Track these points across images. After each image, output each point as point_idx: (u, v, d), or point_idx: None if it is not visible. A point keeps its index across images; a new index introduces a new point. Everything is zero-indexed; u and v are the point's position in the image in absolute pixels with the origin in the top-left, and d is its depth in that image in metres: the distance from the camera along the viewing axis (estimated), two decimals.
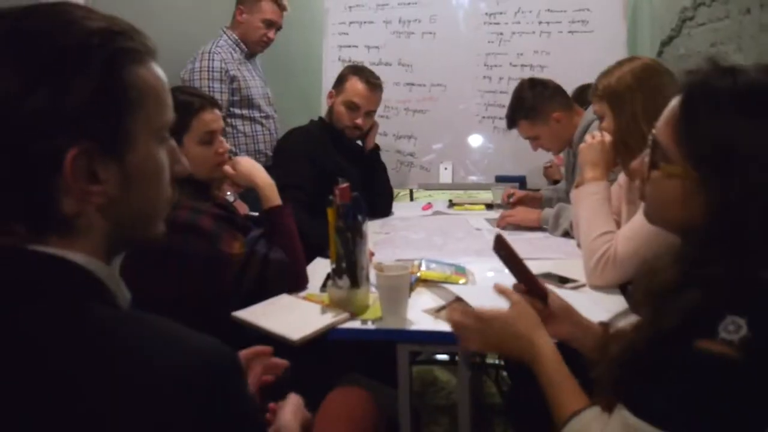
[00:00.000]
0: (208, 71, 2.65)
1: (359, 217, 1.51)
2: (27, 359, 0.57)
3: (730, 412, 0.75)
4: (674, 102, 0.89)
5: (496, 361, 2.76)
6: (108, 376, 0.57)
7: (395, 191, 3.10)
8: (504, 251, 1.16)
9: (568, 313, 1.18)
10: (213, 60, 2.67)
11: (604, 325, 1.20)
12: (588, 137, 1.84)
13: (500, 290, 1.15)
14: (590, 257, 1.63)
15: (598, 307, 1.47)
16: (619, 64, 1.75)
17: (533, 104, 2.39)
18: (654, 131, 0.91)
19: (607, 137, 1.76)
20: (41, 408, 0.55)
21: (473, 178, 3.49)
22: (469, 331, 1.11)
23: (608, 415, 0.88)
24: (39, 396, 0.55)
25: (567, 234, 2.18)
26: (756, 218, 0.79)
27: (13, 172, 0.60)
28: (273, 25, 2.88)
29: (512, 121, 2.50)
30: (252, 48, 2.89)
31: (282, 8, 2.91)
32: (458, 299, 1.50)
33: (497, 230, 1.22)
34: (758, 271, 0.77)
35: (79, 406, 0.55)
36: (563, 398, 0.97)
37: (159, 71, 0.70)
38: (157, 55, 0.70)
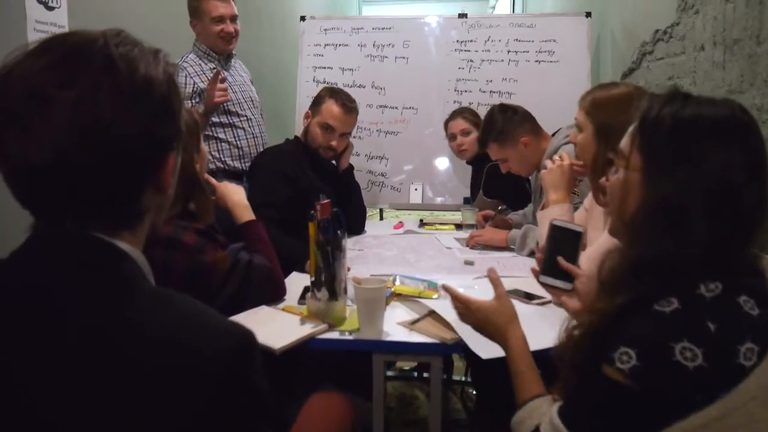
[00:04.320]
0: None
1: (338, 232, 1.58)
2: (81, 329, 0.67)
3: (617, 426, 0.88)
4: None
5: (462, 378, 2.83)
6: (142, 352, 0.67)
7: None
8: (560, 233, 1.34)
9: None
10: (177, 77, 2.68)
11: None
12: (548, 163, 1.95)
13: (493, 279, 1.32)
14: None
15: (563, 321, 1.55)
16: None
17: (503, 128, 2.48)
18: (621, 144, 1.05)
19: (566, 162, 1.86)
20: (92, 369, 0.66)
21: (442, 199, 3.59)
22: (462, 312, 1.34)
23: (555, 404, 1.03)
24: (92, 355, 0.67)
25: (533, 254, 2.27)
26: (668, 213, 0.92)
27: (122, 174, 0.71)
28: (223, 18, 2.79)
29: (483, 143, 2.59)
30: (220, 49, 2.85)
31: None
32: (432, 312, 1.58)
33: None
34: (654, 305, 0.88)
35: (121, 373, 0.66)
36: (524, 386, 1.14)
37: None
38: None
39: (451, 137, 3.16)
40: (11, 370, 0.66)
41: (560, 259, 1.31)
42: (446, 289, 1.41)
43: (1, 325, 0.68)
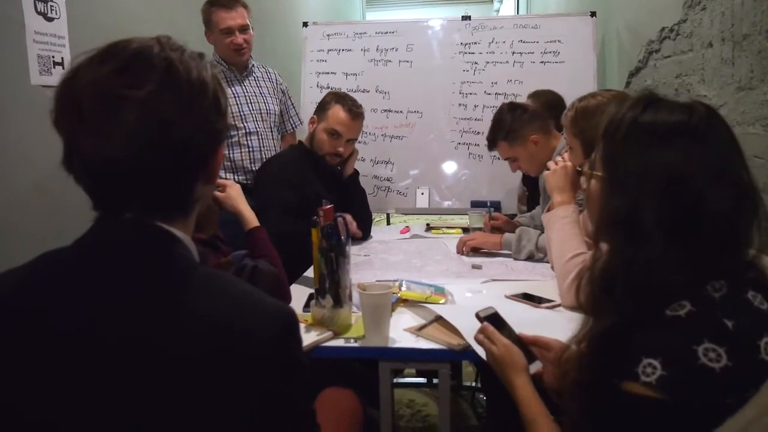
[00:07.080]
0: None
1: (342, 238, 1.55)
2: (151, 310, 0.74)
3: None
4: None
5: (472, 384, 2.79)
6: (199, 335, 0.73)
7: (372, 215, 3.15)
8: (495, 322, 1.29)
9: None
10: None
11: None
12: (551, 164, 1.91)
13: (489, 335, 1.26)
14: (564, 278, 1.69)
15: (573, 325, 1.51)
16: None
17: (512, 126, 2.44)
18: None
19: (569, 162, 1.83)
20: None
21: (449, 203, 3.56)
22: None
23: None
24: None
25: (531, 257, 2.23)
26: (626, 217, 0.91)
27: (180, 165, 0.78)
28: (232, 30, 2.79)
29: (492, 142, 2.55)
30: (234, 61, 2.87)
31: (233, 8, 2.79)
32: (439, 318, 1.55)
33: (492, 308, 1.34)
34: (665, 311, 0.85)
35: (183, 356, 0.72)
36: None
37: None
38: None
39: None
40: (81, 352, 0.71)
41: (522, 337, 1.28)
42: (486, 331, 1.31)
43: (74, 307, 0.73)
